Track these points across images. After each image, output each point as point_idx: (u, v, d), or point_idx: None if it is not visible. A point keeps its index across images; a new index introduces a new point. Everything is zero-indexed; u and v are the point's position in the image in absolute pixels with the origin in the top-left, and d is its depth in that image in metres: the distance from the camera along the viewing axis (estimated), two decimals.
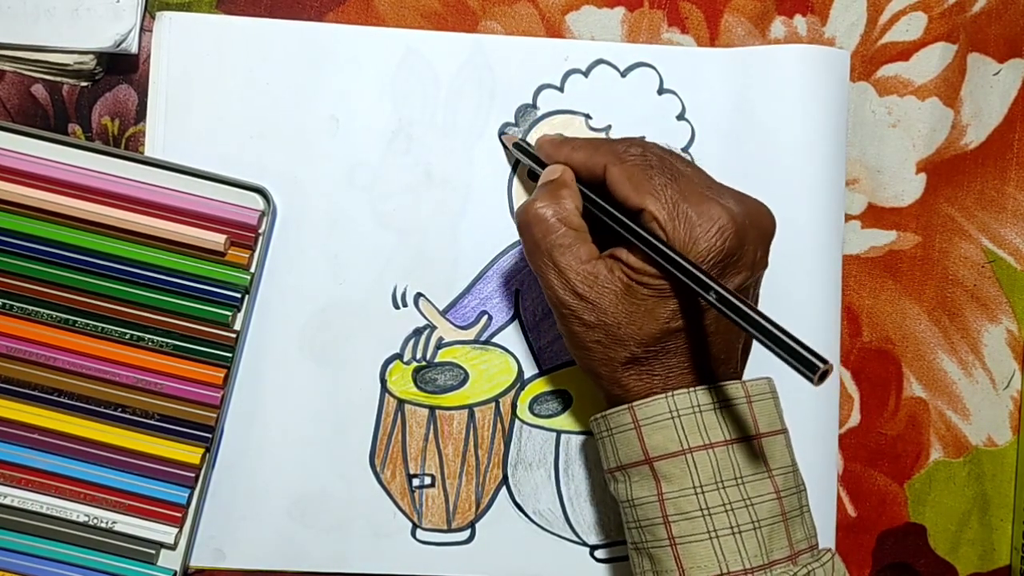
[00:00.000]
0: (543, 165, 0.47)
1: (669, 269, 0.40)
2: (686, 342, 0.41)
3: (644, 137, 0.51)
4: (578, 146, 0.45)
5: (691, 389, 0.41)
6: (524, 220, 0.43)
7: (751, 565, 0.40)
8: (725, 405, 0.41)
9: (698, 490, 0.40)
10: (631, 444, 0.42)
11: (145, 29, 0.50)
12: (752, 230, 0.41)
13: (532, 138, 0.51)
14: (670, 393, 0.41)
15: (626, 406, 0.42)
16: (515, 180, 0.51)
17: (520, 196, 0.51)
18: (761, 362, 0.46)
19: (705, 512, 0.40)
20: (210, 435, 0.49)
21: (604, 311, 0.41)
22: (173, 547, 0.49)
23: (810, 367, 0.35)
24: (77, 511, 0.48)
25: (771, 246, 0.43)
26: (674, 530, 0.40)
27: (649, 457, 0.41)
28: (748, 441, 0.41)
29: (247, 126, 0.50)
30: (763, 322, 0.37)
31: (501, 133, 0.51)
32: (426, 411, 0.51)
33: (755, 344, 0.45)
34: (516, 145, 0.49)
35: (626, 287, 0.41)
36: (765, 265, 0.43)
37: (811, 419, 0.51)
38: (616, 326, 0.41)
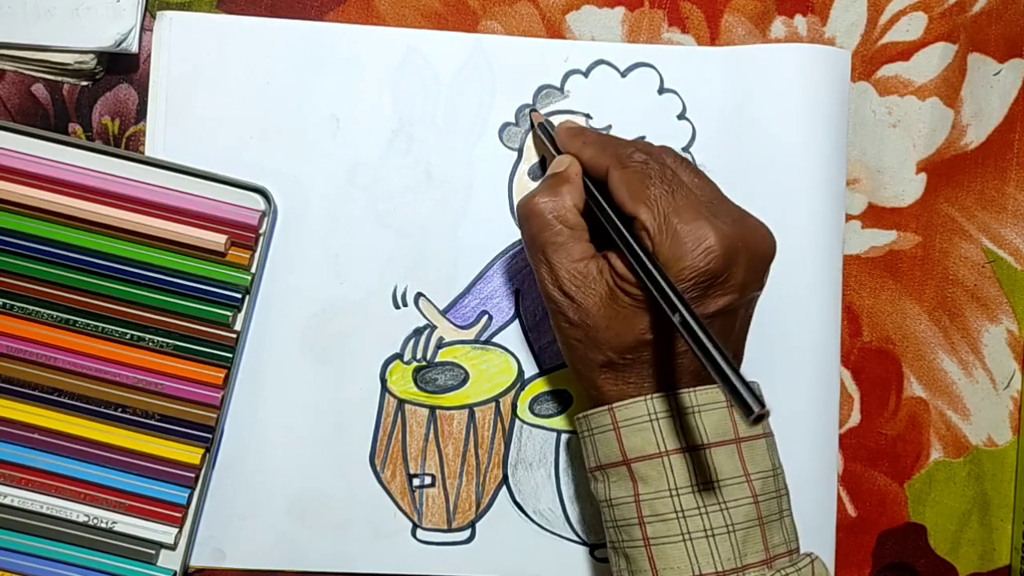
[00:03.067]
0: (560, 150, 0.47)
1: (644, 281, 0.39)
2: (663, 355, 0.41)
3: (645, 137, 0.51)
4: (590, 141, 0.45)
5: (671, 393, 0.41)
6: (523, 213, 0.44)
7: (723, 568, 0.40)
8: (704, 409, 0.41)
9: (673, 492, 0.40)
10: (610, 445, 0.42)
11: (145, 29, 0.50)
12: (744, 253, 0.40)
13: (530, 138, 0.51)
14: (649, 396, 0.41)
15: (606, 407, 0.42)
16: (515, 179, 0.51)
17: (520, 195, 0.51)
18: (763, 362, 0.46)
19: (679, 514, 0.40)
20: (210, 435, 0.49)
21: (587, 312, 0.42)
22: (173, 547, 0.49)
23: (746, 409, 0.34)
24: (77, 511, 0.48)
25: (770, 266, 0.43)
26: (648, 531, 0.41)
27: (627, 458, 0.41)
28: (727, 445, 0.41)
29: (247, 126, 0.50)
30: (714, 353, 0.36)
31: (532, 109, 0.51)
32: (426, 411, 0.51)
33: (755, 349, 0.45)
34: (540, 125, 0.49)
35: (610, 291, 0.41)
36: (759, 288, 0.43)
37: (811, 419, 0.51)
38: (595, 329, 0.41)
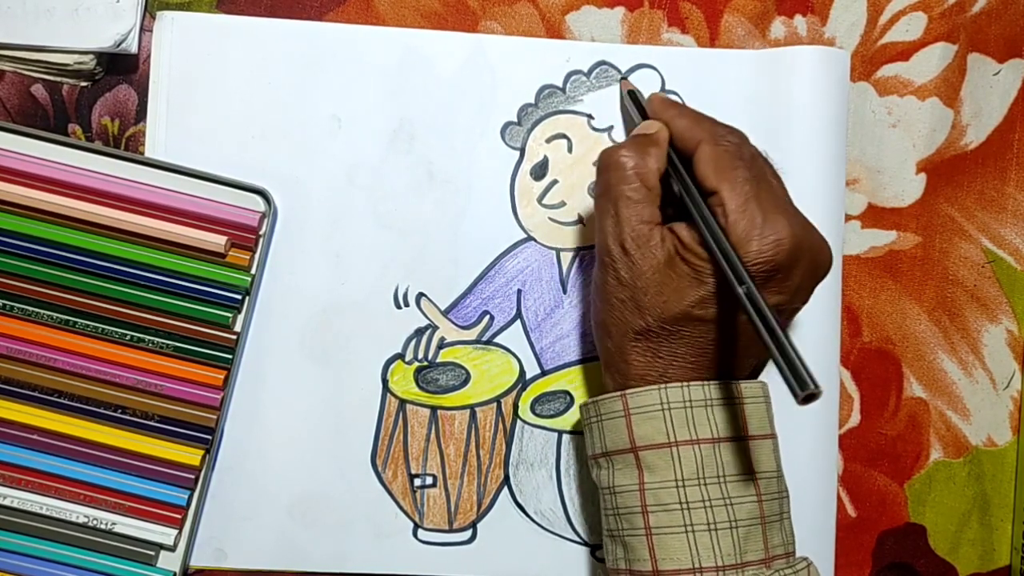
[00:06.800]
0: (646, 118, 0.47)
1: (714, 252, 0.40)
2: (701, 335, 0.41)
3: None
4: (684, 113, 0.45)
5: (685, 384, 0.41)
6: (605, 163, 0.44)
7: (723, 563, 0.40)
8: (717, 403, 0.41)
9: (679, 483, 0.40)
10: (619, 431, 0.42)
11: (145, 29, 0.50)
12: (807, 257, 0.41)
13: (535, 134, 0.51)
14: (663, 386, 0.41)
15: (618, 394, 0.42)
16: (517, 179, 0.51)
17: (522, 196, 0.51)
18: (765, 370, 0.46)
19: (684, 506, 0.40)
20: (210, 437, 0.49)
21: (640, 273, 0.42)
22: (172, 548, 0.49)
23: (802, 385, 0.35)
24: (77, 512, 0.48)
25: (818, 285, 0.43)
26: (651, 520, 0.41)
27: (635, 446, 0.41)
28: (735, 442, 0.41)
29: (248, 126, 0.50)
30: (777, 329, 0.37)
31: (622, 78, 0.51)
32: (428, 411, 0.51)
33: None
34: (630, 93, 0.50)
35: (668, 259, 0.41)
36: (805, 300, 0.43)
37: (811, 419, 0.51)
38: (643, 291, 0.42)
